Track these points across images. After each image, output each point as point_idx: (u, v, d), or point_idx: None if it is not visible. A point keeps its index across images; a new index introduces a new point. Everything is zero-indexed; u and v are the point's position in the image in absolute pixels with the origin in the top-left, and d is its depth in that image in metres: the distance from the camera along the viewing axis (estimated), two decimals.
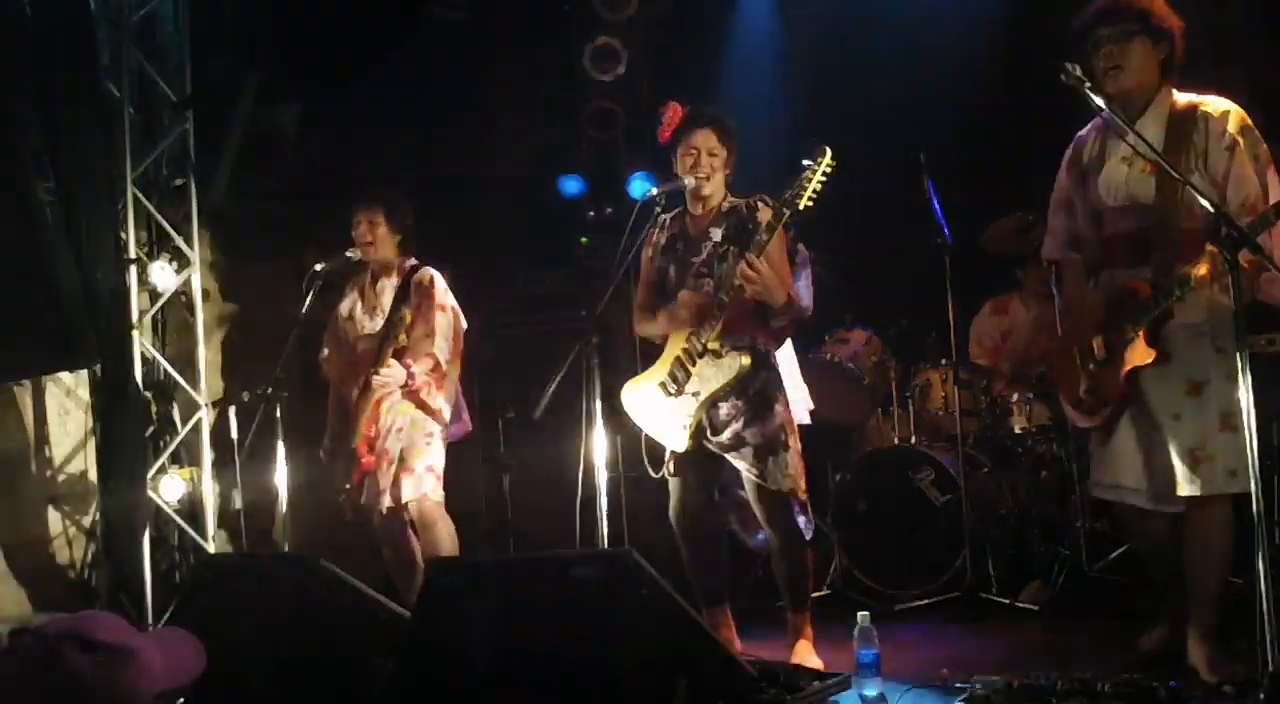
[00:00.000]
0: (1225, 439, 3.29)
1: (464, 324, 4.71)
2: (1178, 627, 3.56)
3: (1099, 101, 3.29)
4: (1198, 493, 3.32)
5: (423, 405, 4.57)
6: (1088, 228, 3.61)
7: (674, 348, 4.00)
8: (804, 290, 4.03)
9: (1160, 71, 3.43)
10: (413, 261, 4.77)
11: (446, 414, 4.62)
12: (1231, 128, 3.32)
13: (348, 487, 4.57)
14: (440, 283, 4.69)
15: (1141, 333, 3.34)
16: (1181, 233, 3.33)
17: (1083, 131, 3.67)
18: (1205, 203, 3.05)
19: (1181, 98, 3.42)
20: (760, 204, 3.93)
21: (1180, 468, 3.33)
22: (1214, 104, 3.38)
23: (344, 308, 4.82)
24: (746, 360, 3.85)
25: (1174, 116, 3.36)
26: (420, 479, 4.55)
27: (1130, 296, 3.39)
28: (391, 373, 4.49)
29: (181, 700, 3.53)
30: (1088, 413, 3.55)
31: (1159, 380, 3.37)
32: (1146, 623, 3.75)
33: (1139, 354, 3.35)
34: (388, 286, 4.73)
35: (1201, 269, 3.17)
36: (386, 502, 4.53)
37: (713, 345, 3.87)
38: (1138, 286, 3.38)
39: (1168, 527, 3.54)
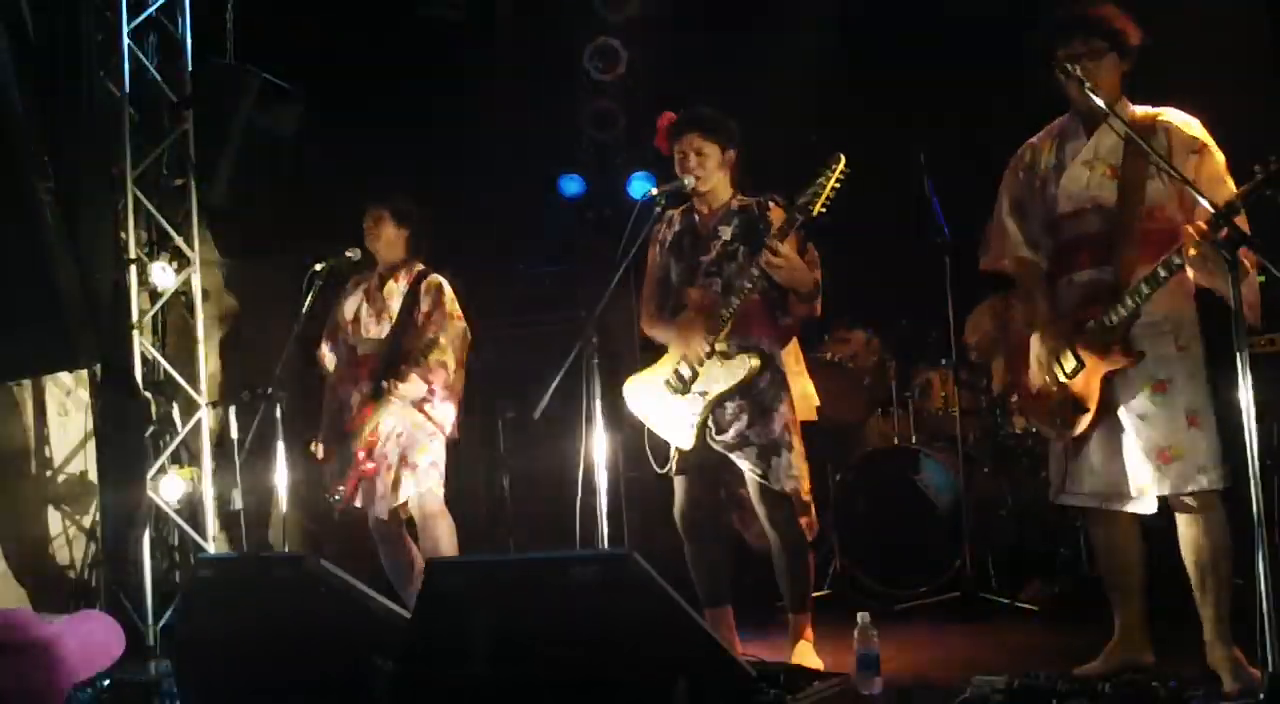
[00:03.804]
0: (1192, 436, 3.31)
1: (468, 335, 4.71)
2: (1131, 640, 3.57)
3: (1099, 102, 3.31)
4: (1169, 492, 3.34)
5: (426, 416, 4.57)
6: (1041, 233, 3.61)
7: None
8: None
9: (1120, 84, 3.47)
10: (420, 267, 4.76)
11: (448, 426, 4.63)
12: (1196, 134, 3.37)
13: (340, 488, 4.57)
14: (448, 290, 4.68)
15: (1116, 336, 3.34)
16: (1141, 234, 3.36)
17: (1035, 138, 3.67)
18: (1205, 203, 3.07)
19: (1137, 109, 3.46)
20: (772, 204, 3.96)
21: (1149, 468, 3.34)
22: (1174, 114, 3.43)
23: (348, 309, 4.80)
24: (756, 362, 3.87)
25: (1132, 127, 3.37)
26: (425, 474, 4.56)
27: (1097, 301, 3.39)
28: (411, 388, 4.49)
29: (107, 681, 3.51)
30: (1065, 425, 3.52)
31: (1126, 382, 3.39)
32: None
33: (1114, 358, 3.35)
34: (396, 291, 4.71)
35: (1190, 251, 3.16)
36: (388, 504, 4.52)
37: (720, 346, 3.89)
38: (1104, 291, 3.38)
39: (1135, 532, 3.55)
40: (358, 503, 4.57)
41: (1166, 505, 3.40)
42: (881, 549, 5.29)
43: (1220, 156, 3.34)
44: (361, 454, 4.55)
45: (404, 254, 4.74)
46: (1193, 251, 3.15)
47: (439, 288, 4.67)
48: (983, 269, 3.84)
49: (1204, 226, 3.10)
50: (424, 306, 4.64)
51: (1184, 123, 3.40)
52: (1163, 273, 3.23)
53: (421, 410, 4.56)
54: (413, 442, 4.56)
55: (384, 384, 4.50)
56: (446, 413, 4.60)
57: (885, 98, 6.25)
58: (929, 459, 5.29)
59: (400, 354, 4.60)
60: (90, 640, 4.03)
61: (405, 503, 4.57)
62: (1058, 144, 3.59)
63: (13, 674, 3.24)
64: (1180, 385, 3.34)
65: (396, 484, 4.53)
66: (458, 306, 4.67)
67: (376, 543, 4.67)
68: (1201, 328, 3.42)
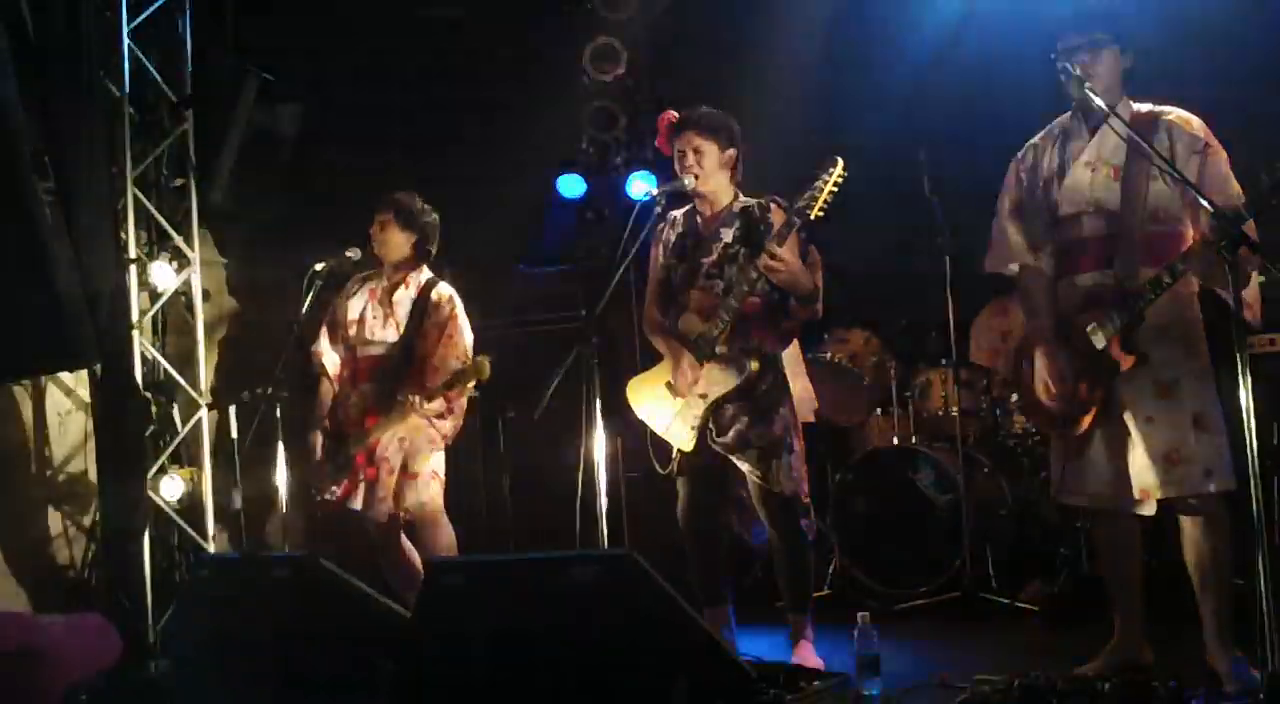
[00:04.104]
0: (1200, 440, 3.31)
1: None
2: (1131, 639, 3.57)
3: (1100, 102, 3.30)
4: (1174, 495, 3.33)
5: (433, 426, 4.57)
6: (1043, 235, 3.59)
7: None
8: None
9: (1122, 80, 3.45)
10: (428, 275, 4.74)
11: (451, 437, 4.63)
12: (1200, 132, 3.35)
13: (334, 488, 4.56)
14: (459, 302, 4.66)
15: (1115, 339, 3.34)
16: (1146, 236, 3.35)
17: (1036, 138, 3.66)
18: (1205, 203, 3.06)
19: (1139, 106, 3.45)
20: (773, 205, 3.96)
21: (1156, 470, 3.33)
22: (1176, 112, 3.41)
23: (353, 309, 4.76)
24: (755, 364, 3.87)
25: (1134, 124, 3.36)
26: (426, 484, 4.56)
27: (1099, 303, 3.38)
28: (433, 408, 4.48)
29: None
30: (1064, 426, 3.52)
31: (1131, 384, 3.37)
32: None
33: (1117, 361, 3.34)
34: (404, 298, 4.68)
35: (1177, 273, 3.18)
36: (387, 508, 4.52)
37: (721, 348, 3.88)
38: (1106, 293, 3.37)
39: (1136, 532, 3.55)
40: (355, 506, 4.56)
41: (1168, 505, 3.40)
42: (881, 549, 5.29)
43: (1224, 154, 3.33)
44: (361, 458, 4.55)
45: (410, 258, 4.72)
46: (1196, 261, 3.15)
47: (450, 300, 4.65)
48: (985, 272, 3.83)
49: (1207, 233, 3.10)
50: (436, 318, 4.61)
51: (1186, 121, 3.37)
52: (1166, 278, 3.22)
53: (429, 420, 4.56)
54: (415, 449, 4.56)
55: (407, 399, 4.46)
56: (452, 427, 4.60)
57: (886, 97, 6.25)
58: (929, 459, 5.29)
59: (412, 362, 4.59)
60: (87, 642, 4.03)
61: (406, 509, 4.56)
62: (1060, 143, 3.57)
63: (9, 677, 3.24)
64: (1186, 388, 3.33)
65: (399, 492, 4.53)
66: (467, 319, 4.67)
67: (377, 551, 4.66)
68: (1206, 329, 3.41)
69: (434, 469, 4.59)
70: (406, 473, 4.54)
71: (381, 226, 4.67)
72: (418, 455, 4.55)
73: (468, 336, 4.62)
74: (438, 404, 4.49)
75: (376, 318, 4.69)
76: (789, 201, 3.85)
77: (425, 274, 4.74)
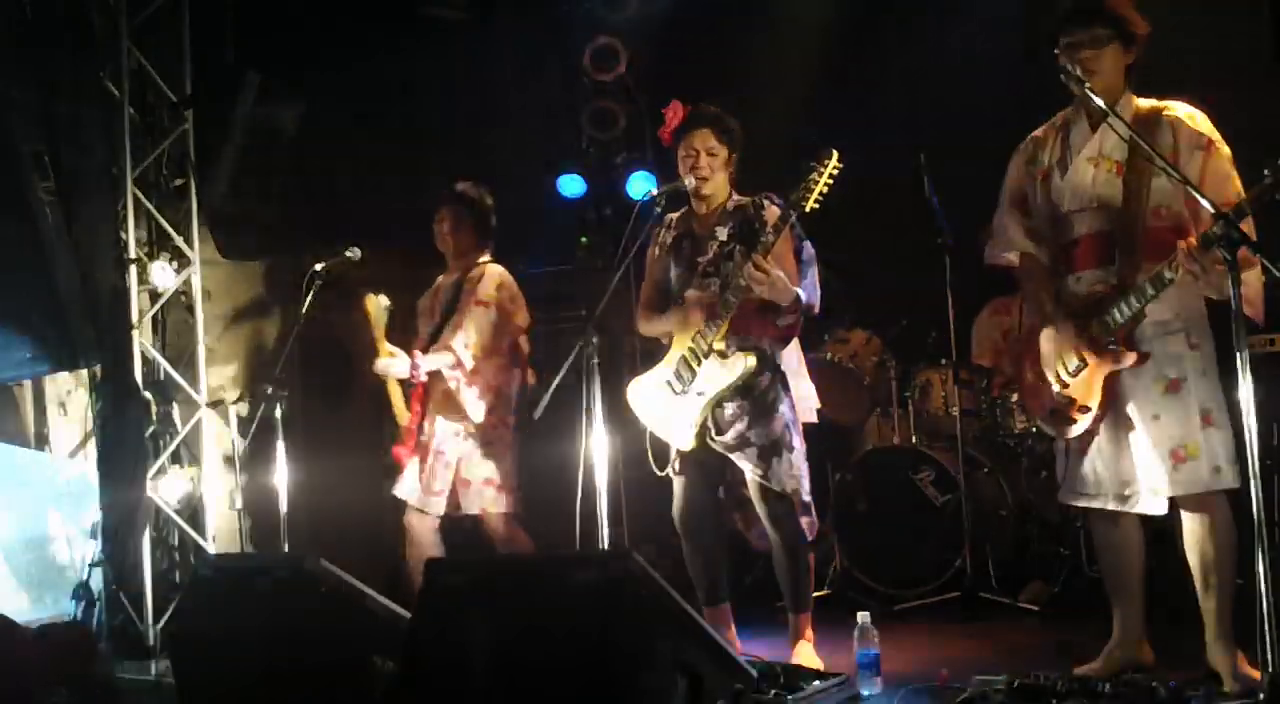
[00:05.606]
0: (1206, 436, 3.29)
1: (520, 322, 4.71)
2: (1131, 639, 3.57)
3: (1099, 102, 3.28)
4: (1182, 493, 3.32)
5: (460, 400, 4.59)
6: (1045, 228, 3.58)
7: (679, 347, 4.01)
8: (810, 288, 4.04)
9: (1125, 76, 3.43)
10: (483, 258, 4.76)
11: (476, 414, 4.60)
12: (1203, 129, 3.32)
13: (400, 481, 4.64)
14: (491, 278, 4.66)
15: (1120, 336, 3.33)
16: (1147, 233, 3.33)
17: (1038, 131, 3.64)
18: (1206, 203, 3.05)
19: (1143, 102, 3.43)
20: (767, 202, 3.96)
21: (1163, 468, 3.32)
22: (1179, 108, 3.38)
23: (421, 308, 4.87)
24: (752, 361, 3.86)
25: (1137, 120, 3.35)
26: (479, 492, 4.59)
27: (1101, 300, 3.37)
28: (391, 363, 4.51)
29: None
30: (1065, 423, 3.51)
31: (1135, 381, 3.36)
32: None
33: (1117, 357, 3.34)
34: (447, 284, 4.77)
35: (1179, 269, 3.15)
36: (438, 507, 4.57)
37: (719, 345, 3.89)
38: (1108, 290, 3.36)
39: (1137, 532, 3.54)
40: (398, 492, 4.60)
41: (1171, 504, 3.39)
42: (881, 549, 5.29)
43: (1226, 151, 3.29)
44: (409, 436, 4.63)
45: (475, 246, 4.75)
46: (1181, 272, 3.13)
47: (480, 277, 4.66)
48: (987, 263, 3.82)
49: (1194, 242, 3.09)
50: (477, 293, 4.63)
51: (1190, 117, 3.34)
52: (1168, 275, 3.21)
53: (458, 397, 4.55)
54: (466, 452, 4.62)
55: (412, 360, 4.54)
56: (469, 399, 4.58)
57: (886, 96, 6.25)
58: (929, 459, 5.29)
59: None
60: (61, 646, 4.05)
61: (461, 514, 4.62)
62: (1062, 137, 3.54)
63: None
64: (1193, 384, 3.32)
65: (454, 493, 4.60)
66: (498, 293, 4.66)
67: (407, 545, 4.68)
68: (1212, 325, 3.40)
69: (486, 477, 4.62)
70: (460, 478, 4.60)
71: (441, 222, 4.71)
72: (468, 460, 4.61)
73: (487, 311, 4.60)
74: (399, 362, 4.54)
75: (425, 311, 4.81)
76: (783, 197, 3.85)
77: (479, 260, 4.77)
